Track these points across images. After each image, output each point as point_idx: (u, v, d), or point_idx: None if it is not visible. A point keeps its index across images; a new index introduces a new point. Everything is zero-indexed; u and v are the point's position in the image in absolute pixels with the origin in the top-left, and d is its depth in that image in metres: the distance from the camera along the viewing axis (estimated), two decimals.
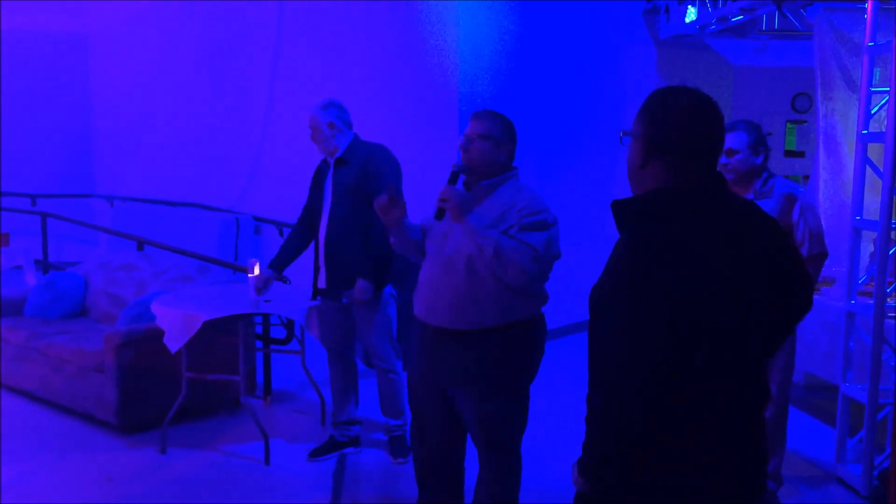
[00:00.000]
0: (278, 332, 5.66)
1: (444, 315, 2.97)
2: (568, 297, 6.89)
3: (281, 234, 7.28)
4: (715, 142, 1.76)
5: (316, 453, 4.44)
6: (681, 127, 1.74)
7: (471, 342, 2.96)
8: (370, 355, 4.41)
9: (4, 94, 9.06)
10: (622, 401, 1.60)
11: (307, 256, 6.03)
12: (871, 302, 4.05)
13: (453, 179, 2.94)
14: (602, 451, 1.65)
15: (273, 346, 5.53)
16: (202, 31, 8.11)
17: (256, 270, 4.44)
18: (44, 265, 7.03)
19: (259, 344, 5.45)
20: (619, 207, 1.76)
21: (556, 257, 3.02)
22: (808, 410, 5.26)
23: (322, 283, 4.29)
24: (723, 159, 3.68)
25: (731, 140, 3.64)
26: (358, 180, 4.12)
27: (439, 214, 2.91)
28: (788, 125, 7.81)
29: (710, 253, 1.64)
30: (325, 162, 4.34)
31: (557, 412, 5.09)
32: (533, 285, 2.99)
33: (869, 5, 4.12)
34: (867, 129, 4.21)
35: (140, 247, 6.06)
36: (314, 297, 4.40)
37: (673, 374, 1.59)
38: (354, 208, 4.11)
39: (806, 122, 7.81)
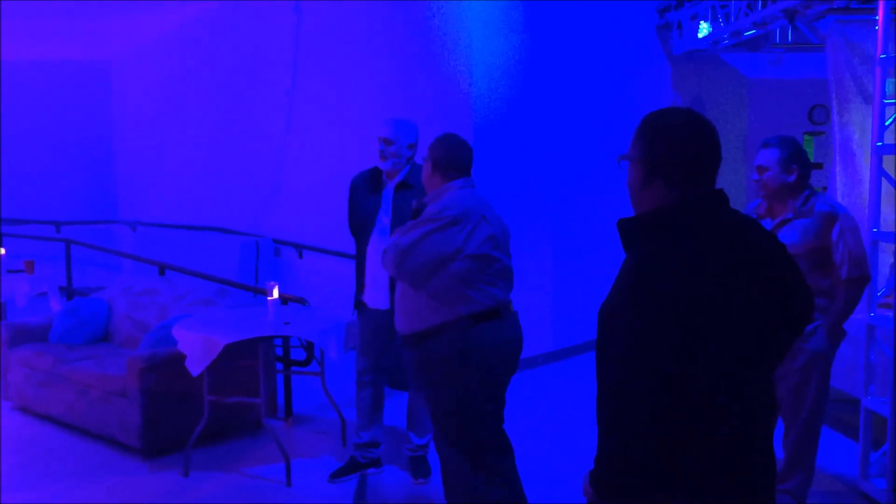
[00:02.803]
0: (298, 354, 5.70)
1: (398, 321, 3.38)
2: (579, 317, 6.93)
3: (300, 255, 7.35)
4: (711, 159, 1.80)
5: (337, 475, 4.46)
6: (677, 147, 1.79)
7: (408, 345, 3.35)
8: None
9: (28, 123, 9.24)
10: (631, 417, 1.64)
11: (325, 276, 6.11)
12: (892, 314, 4.02)
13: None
14: (612, 465, 1.69)
15: (293, 368, 5.57)
16: (220, 58, 8.24)
17: (276, 293, 4.49)
18: (68, 291, 7.14)
19: (279, 366, 5.50)
20: (623, 227, 1.81)
21: (449, 254, 3.17)
22: (830, 424, 5.21)
23: (370, 300, 4.27)
24: (754, 175, 3.67)
25: (762, 157, 3.61)
26: None
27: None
28: (806, 137, 7.77)
29: (713, 268, 1.67)
30: (374, 179, 4.30)
31: (571, 428, 5.10)
32: (447, 293, 3.19)
33: (880, 17, 4.12)
34: (881, 142, 4.20)
35: (162, 271, 6.14)
36: (355, 309, 4.40)
37: (680, 389, 1.62)
38: None
39: (824, 133, 7.77)
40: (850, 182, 5.33)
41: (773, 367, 1.82)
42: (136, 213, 9.03)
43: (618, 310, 1.70)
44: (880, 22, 4.12)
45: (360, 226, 4.32)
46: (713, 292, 1.65)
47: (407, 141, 4.19)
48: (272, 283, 4.58)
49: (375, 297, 4.24)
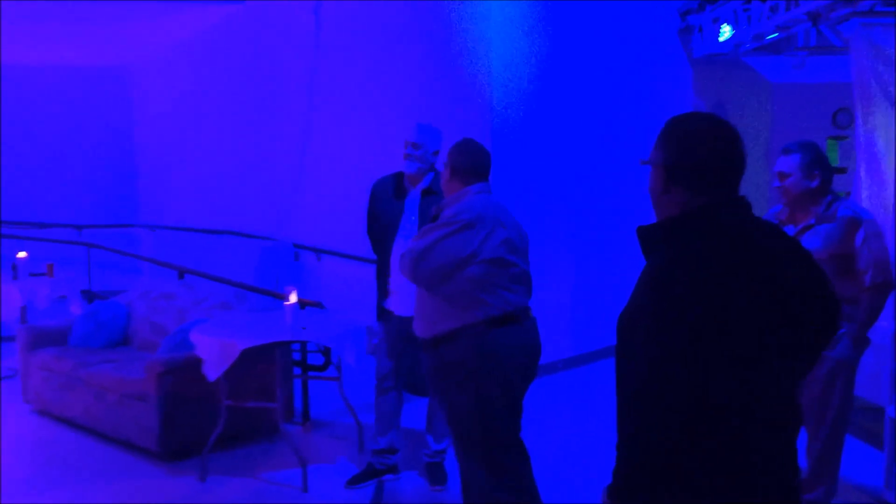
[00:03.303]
0: (316, 359, 5.69)
1: (416, 325, 3.39)
2: (598, 322, 6.87)
3: (319, 259, 7.35)
4: (734, 164, 1.77)
5: (354, 481, 4.44)
6: (699, 152, 1.76)
7: (425, 349, 3.35)
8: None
9: (51, 128, 9.32)
10: (651, 427, 1.60)
11: (344, 280, 6.10)
12: None
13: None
14: (632, 477, 1.65)
15: (310, 373, 5.56)
16: (239, 62, 8.26)
17: (293, 298, 4.48)
18: (88, 295, 7.18)
19: (297, 371, 5.49)
20: (643, 233, 1.78)
21: (464, 258, 3.15)
22: (854, 433, 5.13)
23: (394, 307, 4.25)
24: (775, 182, 3.61)
25: (783, 163, 3.56)
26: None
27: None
28: (829, 141, 7.68)
29: (735, 276, 1.63)
30: (396, 184, 4.29)
31: (589, 435, 5.05)
32: (463, 298, 3.18)
33: None
34: None
35: (181, 275, 6.15)
36: (379, 318, 4.38)
37: (702, 400, 1.58)
38: None
39: (848, 137, 7.67)
40: (875, 187, 5.25)
41: (799, 378, 1.78)
42: (156, 217, 9.08)
43: (637, 317, 1.66)
44: None
45: (383, 232, 4.30)
46: (734, 300, 1.61)
47: (433, 147, 4.19)
48: (290, 287, 4.57)
49: (401, 304, 4.20)
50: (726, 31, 6.84)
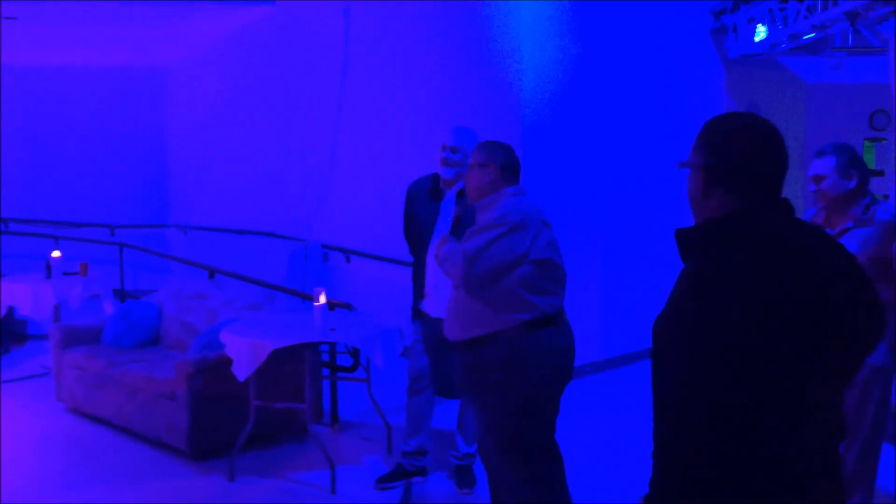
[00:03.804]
0: (345, 360, 5.69)
1: (449, 327, 3.34)
2: (628, 325, 6.80)
3: (348, 260, 7.36)
4: (776, 165, 1.71)
5: (383, 480, 4.43)
6: (740, 153, 1.70)
7: (462, 351, 3.30)
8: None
9: (85, 128, 9.43)
10: (689, 437, 1.56)
11: (373, 282, 6.10)
12: None
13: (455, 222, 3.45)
14: (668, 487, 1.60)
15: (339, 374, 5.56)
16: (271, 63, 8.30)
17: (322, 299, 4.47)
18: (120, 294, 7.25)
19: (326, 371, 5.49)
20: (682, 236, 1.73)
21: (515, 259, 3.15)
22: (892, 441, 5.03)
23: (430, 308, 4.21)
24: (811, 187, 3.54)
25: (818, 166, 3.48)
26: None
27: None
28: (866, 143, 7.56)
29: (775, 281, 1.58)
30: (433, 187, 4.27)
31: (620, 440, 5.00)
32: (510, 299, 3.15)
33: None
34: None
35: (211, 275, 6.18)
36: (414, 319, 4.37)
37: (741, 408, 1.53)
38: None
39: (885, 139, 7.55)
40: None
41: (841, 386, 1.72)
42: (188, 217, 9.15)
43: (674, 322, 1.62)
44: None
45: (419, 234, 4.28)
46: (775, 306, 1.55)
47: (471, 150, 4.15)
48: (319, 288, 4.56)
49: (436, 306, 4.17)
50: (762, 32, 6.74)
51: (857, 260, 1.74)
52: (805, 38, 6.42)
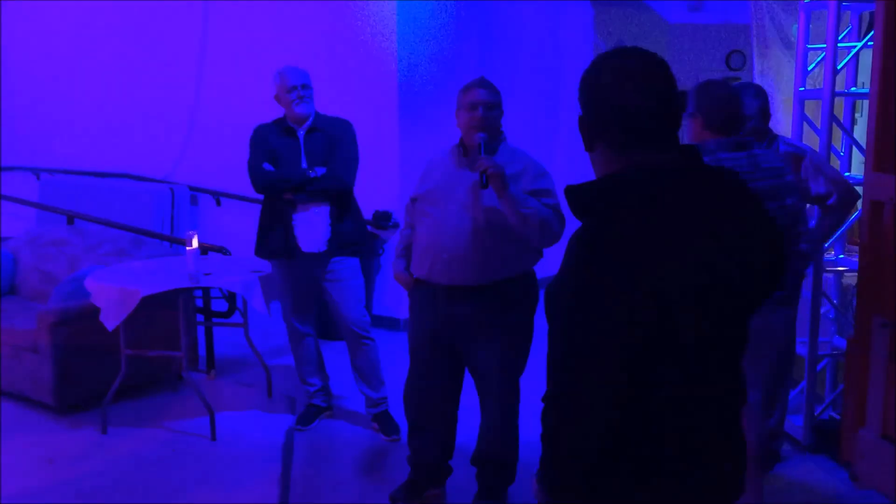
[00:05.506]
0: (220, 305, 5.54)
1: (467, 273, 3.20)
2: None
3: (218, 203, 7.12)
4: (652, 107, 1.50)
5: (303, 422, 4.44)
6: (604, 102, 1.51)
7: (488, 294, 3.22)
8: (345, 325, 4.29)
9: None
10: (581, 418, 1.44)
11: (246, 224, 5.91)
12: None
13: (489, 150, 3.15)
14: (563, 471, 1.49)
15: (215, 319, 5.41)
16: None
17: (195, 243, 4.32)
18: None
19: (200, 318, 5.33)
20: (571, 195, 1.53)
21: None
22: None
23: (304, 244, 4.17)
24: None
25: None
26: (328, 148, 4.17)
27: (484, 184, 3.02)
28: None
29: (672, 243, 1.44)
30: (285, 128, 4.23)
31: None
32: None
33: None
34: (804, 86, 4.26)
35: (70, 221, 5.85)
36: (281, 256, 4.28)
37: (637, 381, 1.42)
38: None
39: (740, 79, 7.88)
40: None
41: (740, 344, 1.60)
42: (40, 160, 8.55)
43: (560, 290, 1.48)
44: None
45: (287, 169, 4.22)
46: (671, 271, 1.42)
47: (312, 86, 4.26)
48: (192, 231, 4.40)
49: (310, 241, 4.16)
50: None
51: (762, 204, 1.60)
52: None
